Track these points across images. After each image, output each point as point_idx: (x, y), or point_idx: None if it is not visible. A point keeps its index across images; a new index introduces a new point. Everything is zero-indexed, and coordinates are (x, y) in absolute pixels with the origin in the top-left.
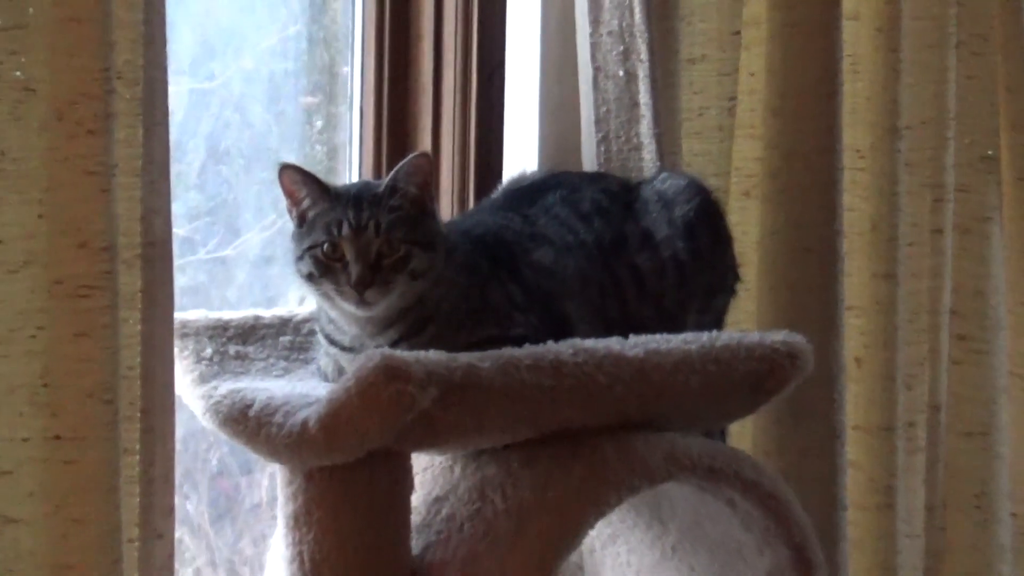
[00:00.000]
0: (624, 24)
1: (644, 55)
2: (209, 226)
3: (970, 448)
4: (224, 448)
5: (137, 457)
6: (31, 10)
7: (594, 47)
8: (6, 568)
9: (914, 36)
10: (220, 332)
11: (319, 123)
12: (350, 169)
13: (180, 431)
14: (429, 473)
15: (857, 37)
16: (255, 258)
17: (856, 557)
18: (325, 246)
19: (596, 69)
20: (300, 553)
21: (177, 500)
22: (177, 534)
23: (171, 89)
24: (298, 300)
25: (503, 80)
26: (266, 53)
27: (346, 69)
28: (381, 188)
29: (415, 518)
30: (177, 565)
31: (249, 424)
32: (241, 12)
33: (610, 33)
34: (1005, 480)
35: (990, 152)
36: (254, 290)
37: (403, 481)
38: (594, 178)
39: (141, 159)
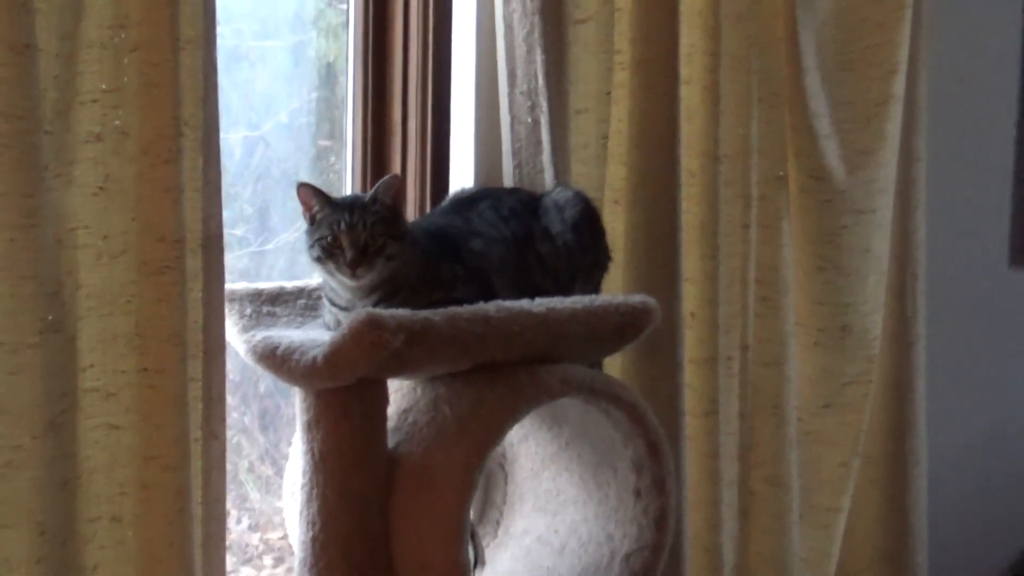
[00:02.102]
0: (531, 86)
1: (545, 108)
2: (256, 229)
3: (769, 374)
4: (268, 378)
5: (200, 383)
6: (126, 78)
7: (511, 102)
8: (113, 458)
9: (729, 94)
10: (256, 297)
11: (332, 158)
12: (346, 186)
13: (239, 367)
14: (399, 392)
15: (690, 95)
16: (287, 251)
17: (692, 448)
18: (329, 238)
19: (512, 118)
20: (312, 448)
21: (235, 414)
22: (235, 438)
23: (230, 136)
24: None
25: (449, 125)
26: (294, 111)
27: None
28: (367, 198)
29: (390, 424)
30: (236, 458)
31: (276, 360)
32: (277, 81)
33: (522, 92)
34: (793, 396)
35: (781, 173)
36: (285, 273)
37: (381, 398)
38: (511, 192)
39: (201, 181)
